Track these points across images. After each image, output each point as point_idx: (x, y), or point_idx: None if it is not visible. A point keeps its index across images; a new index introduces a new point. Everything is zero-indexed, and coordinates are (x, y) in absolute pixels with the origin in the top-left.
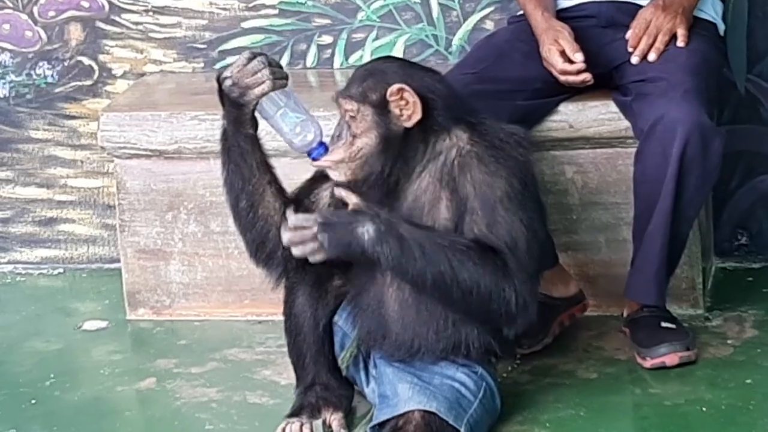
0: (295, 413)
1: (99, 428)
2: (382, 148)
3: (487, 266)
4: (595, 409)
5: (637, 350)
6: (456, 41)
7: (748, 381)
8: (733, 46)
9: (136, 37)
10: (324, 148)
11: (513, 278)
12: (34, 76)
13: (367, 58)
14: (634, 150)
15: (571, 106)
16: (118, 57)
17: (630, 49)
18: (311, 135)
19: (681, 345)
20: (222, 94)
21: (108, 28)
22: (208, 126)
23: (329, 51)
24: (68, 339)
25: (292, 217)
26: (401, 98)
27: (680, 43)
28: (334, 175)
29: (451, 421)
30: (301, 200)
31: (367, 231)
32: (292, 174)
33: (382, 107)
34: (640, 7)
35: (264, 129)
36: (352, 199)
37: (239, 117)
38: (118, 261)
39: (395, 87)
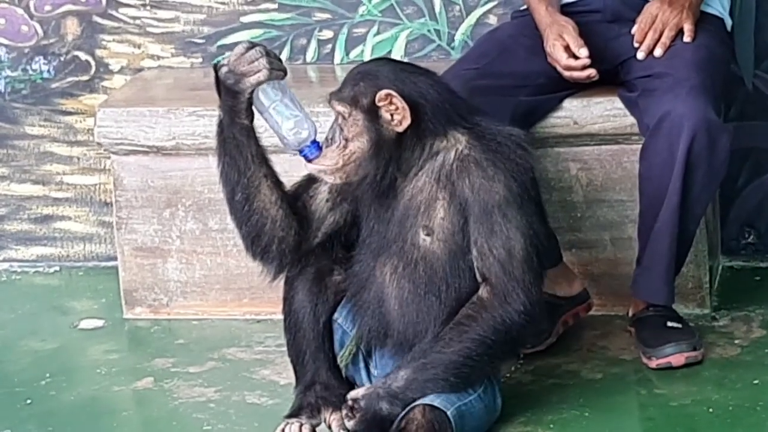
0: (294, 413)
1: (95, 428)
2: (374, 151)
3: (488, 321)
4: (600, 410)
5: (642, 350)
6: (459, 36)
7: (756, 381)
8: (740, 42)
9: (133, 32)
10: (317, 146)
11: (512, 304)
12: (30, 72)
13: (368, 53)
14: (639, 147)
15: (575, 102)
16: (115, 52)
17: (636, 45)
18: (305, 133)
19: (687, 345)
20: (218, 81)
21: (105, 22)
22: (207, 122)
23: (329, 46)
24: (64, 338)
25: None
26: (390, 103)
27: (687, 38)
28: (328, 178)
29: (437, 404)
30: (299, 195)
31: (382, 408)
32: (291, 171)
33: (372, 112)
34: (646, 1)
35: (263, 125)
36: (350, 395)
37: (235, 106)
38: (115, 259)
39: (383, 93)
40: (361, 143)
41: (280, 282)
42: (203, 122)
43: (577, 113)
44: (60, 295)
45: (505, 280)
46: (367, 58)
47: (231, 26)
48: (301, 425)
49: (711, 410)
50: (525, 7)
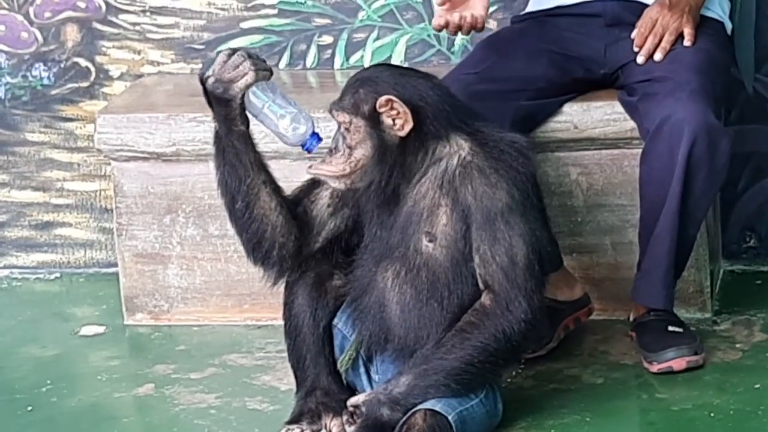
0: (294, 420)
1: None
2: (378, 158)
3: (490, 329)
4: (601, 415)
5: (643, 355)
6: (458, 41)
7: (757, 386)
8: (740, 45)
9: (133, 38)
10: (317, 138)
11: (515, 312)
12: (30, 78)
13: (368, 59)
14: (639, 151)
15: (575, 106)
16: (115, 58)
17: (636, 49)
18: (302, 127)
19: (688, 349)
20: (207, 94)
21: (105, 28)
22: (207, 128)
23: (329, 51)
24: (65, 344)
25: None
26: (391, 108)
27: (687, 42)
28: (335, 184)
29: (438, 408)
30: (300, 200)
31: (383, 414)
32: (291, 177)
33: (374, 118)
34: (646, 5)
35: (261, 131)
36: (351, 401)
37: (228, 114)
38: (116, 265)
39: (383, 98)
40: (365, 150)
41: (281, 288)
42: (203, 128)
43: (577, 117)
44: (61, 301)
45: (507, 287)
46: (367, 63)
47: (231, 32)
48: (302, 431)
49: (712, 415)
50: (525, 11)
